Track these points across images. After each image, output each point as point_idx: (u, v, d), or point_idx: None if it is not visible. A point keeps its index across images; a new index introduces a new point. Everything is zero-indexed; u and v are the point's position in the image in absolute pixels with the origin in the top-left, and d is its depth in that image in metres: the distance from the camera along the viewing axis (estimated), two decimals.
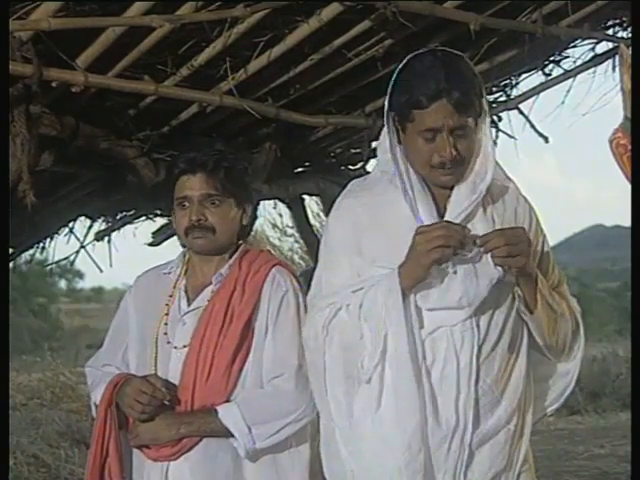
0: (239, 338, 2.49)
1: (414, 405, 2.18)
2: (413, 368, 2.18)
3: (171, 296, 2.61)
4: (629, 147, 3.90)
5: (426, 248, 2.14)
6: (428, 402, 2.20)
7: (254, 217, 2.75)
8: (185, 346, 2.52)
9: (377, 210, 2.31)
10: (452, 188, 2.29)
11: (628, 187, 3.12)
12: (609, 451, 8.07)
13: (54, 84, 3.54)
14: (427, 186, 2.30)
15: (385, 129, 2.33)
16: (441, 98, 2.18)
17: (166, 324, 2.57)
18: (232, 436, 2.46)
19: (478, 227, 2.26)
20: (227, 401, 2.48)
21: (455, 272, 2.19)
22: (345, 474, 2.28)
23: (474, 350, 2.22)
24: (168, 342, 2.55)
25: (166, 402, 2.48)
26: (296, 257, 11.51)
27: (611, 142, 4.10)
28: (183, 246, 2.67)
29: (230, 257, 2.60)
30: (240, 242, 2.64)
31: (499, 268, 2.19)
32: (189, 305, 2.58)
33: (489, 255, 2.17)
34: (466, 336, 2.22)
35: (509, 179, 2.39)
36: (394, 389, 2.19)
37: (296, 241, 11.31)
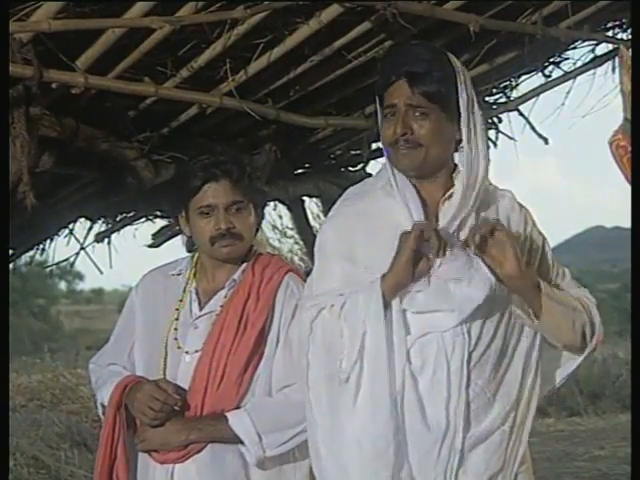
0: (253, 346, 2.48)
1: (385, 403, 2.17)
2: (389, 368, 2.18)
3: (181, 300, 2.59)
4: (629, 148, 3.90)
5: (407, 238, 2.16)
6: (415, 408, 2.20)
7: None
8: (197, 351, 2.51)
9: (370, 218, 2.32)
10: (442, 195, 2.29)
11: (628, 188, 3.12)
12: (609, 453, 8.06)
13: (54, 85, 3.55)
14: (418, 193, 2.30)
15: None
16: (400, 78, 2.23)
17: (176, 329, 2.56)
18: (241, 443, 2.45)
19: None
20: (237, 407, 2.47)
21: (444, 279, 2.20)
22: (327, 473, 2.27)
23: (465, 356, 2.21)
24: (178, 347, 2.54)
25: (177, 408, 2.47)
26: (296, 258, 11.49)
27: (611, 144, 4.11)
28: (189, 251, 2.66)
29: (242, 262, 2.59)
30: (253, 246, 2.63)
31: (493, 280, 2.18)
32: (201, 309, 2.57)
33: (482, 266, 2.17)
34: (457, 341, 2.21)
35: (504, 190, 2.39)
36: (370, 387, 2.19)
37: (296, 242, 11.28)
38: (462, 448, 2.21)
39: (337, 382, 2.22)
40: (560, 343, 2.31)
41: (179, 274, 2.64)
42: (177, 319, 2.57)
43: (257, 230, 2.64)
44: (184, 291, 2.60)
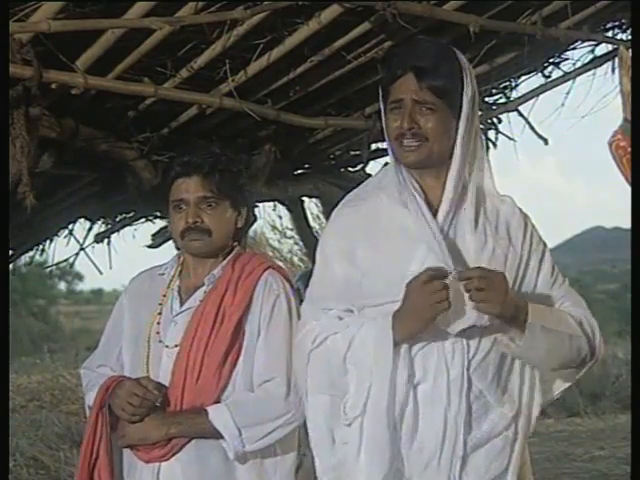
0: (230, 339, 2.50)
1: (385, 455, 2.18)
2: (389, 420, 2.18)
3: (164, 296, 2.63)
4: (629, 149, 3.91)
5: (429, 302, 2.13)
6: (415, 416, 2.20)
7: (251, 219, 2.77)
8: (176, 345, 2.54)
9: (372, 220, 2.31)
10: (442, 193, 2.29)
11: (628, 189, 3.12)
12: (609, 453, 8.05)
13: (54, 86, 3.54)
14: (420, 187, 2.30)
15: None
16: (408, 72, 2.23)
17: (159, 323, 2.59)
18: (222, 438, 2.46)
19: (468, 240, 2.27)
20: (217, 402, 2.49)
21: None
22: None
23: (465, 363, 2.21)
24: (160, 341, 2.57)
25: (157, 404, 2.48)
26: (296, 259, 11.51)
27: (611, 144, 4.11)
28: (177, 248, 2.69)
29: (223, 259, 2.62)
30: (235, 244, 2.66)
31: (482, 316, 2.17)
32: (181, 306, 2.60)
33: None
34: (456, 349, 2.21)
35: (504, 195, 2.39)
36: (369, 439, 2.19)
37: (296, 243, 11.29)
38: (464, 453, 2.21)
39: (338, 422, 2.24)
40: (548, 369, 2.32)
41: (164, 273, 2.68)
42: (160, 313, 2.61)
43: (242, 230, 2.67)
44: (168, 287, 2.64)
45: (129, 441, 2.52)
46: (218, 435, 2.46)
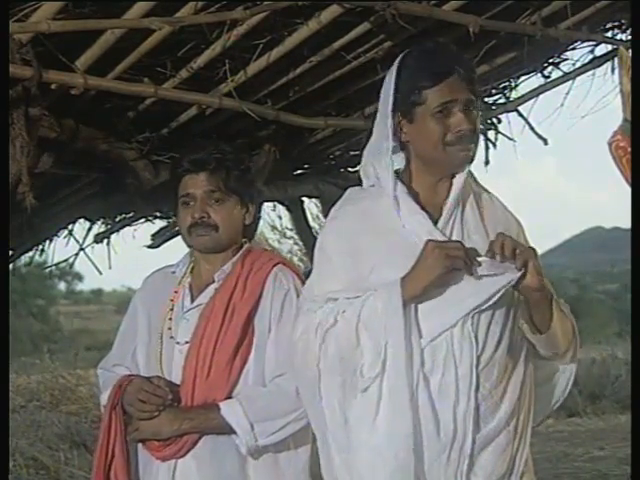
0: (239, 334, 2.51)
1: (407, 415, 2.16)
2: (408, 378, 2.17)
3: (176, 292, 2.64)
4: (628, 149, 3.91)
5: (441, 255, 2.14)
6: (427, 411, 2.19)
7: (258, 217, 2.77)
8: (187, 342, 2.55)
9: (373, 218, 2.31)
10: (446, 197, 2.29)
11: (627, 189, 3.13)
12: (608, 453, 8.06)
13: (53, 86, 3.54)
14: (416, 198, 2.30)
15: (377, 134, 2.32)
16: (453, 73, 2.22)
17: (170, 320, 2.61)
18: (234, 433, 2.47)
19: (474, 239, 2.27)
20: (228, 397, 2.49)
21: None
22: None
23: (473, 360, 2.21)
24: (171, 337, 2.59)
25: (167, 402, 2.49)
26: (295, 259, 11.50)
27: (610, 144, 4.11)
28: (189, 246, 2.69)
29: (233, 255, 2.63)
30: (244, 241, 2.67)
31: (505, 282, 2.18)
32: (192, 302, 2.61)
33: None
34: (464, 346, 2.20)
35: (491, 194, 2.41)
36: (390, 399, 2.17)
37: (295, 243, 11.30)
38: (472, 452, 2.21)
39: (352, 392, 2.21)
40: (554, 351, 2.33)
41: (175, 271, 2.70)
42: (172, 310, 2.62)
43: (251, 228, 2.68)
44: (179, 284, 2.65)
45: (142, 435, 2.53)
46: (230, 430, 2.46)
